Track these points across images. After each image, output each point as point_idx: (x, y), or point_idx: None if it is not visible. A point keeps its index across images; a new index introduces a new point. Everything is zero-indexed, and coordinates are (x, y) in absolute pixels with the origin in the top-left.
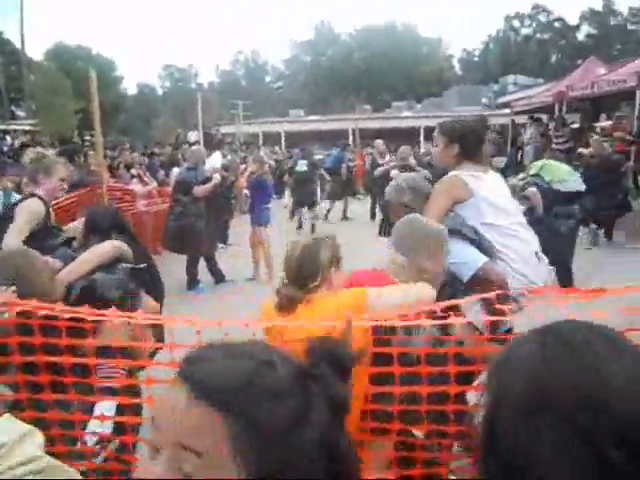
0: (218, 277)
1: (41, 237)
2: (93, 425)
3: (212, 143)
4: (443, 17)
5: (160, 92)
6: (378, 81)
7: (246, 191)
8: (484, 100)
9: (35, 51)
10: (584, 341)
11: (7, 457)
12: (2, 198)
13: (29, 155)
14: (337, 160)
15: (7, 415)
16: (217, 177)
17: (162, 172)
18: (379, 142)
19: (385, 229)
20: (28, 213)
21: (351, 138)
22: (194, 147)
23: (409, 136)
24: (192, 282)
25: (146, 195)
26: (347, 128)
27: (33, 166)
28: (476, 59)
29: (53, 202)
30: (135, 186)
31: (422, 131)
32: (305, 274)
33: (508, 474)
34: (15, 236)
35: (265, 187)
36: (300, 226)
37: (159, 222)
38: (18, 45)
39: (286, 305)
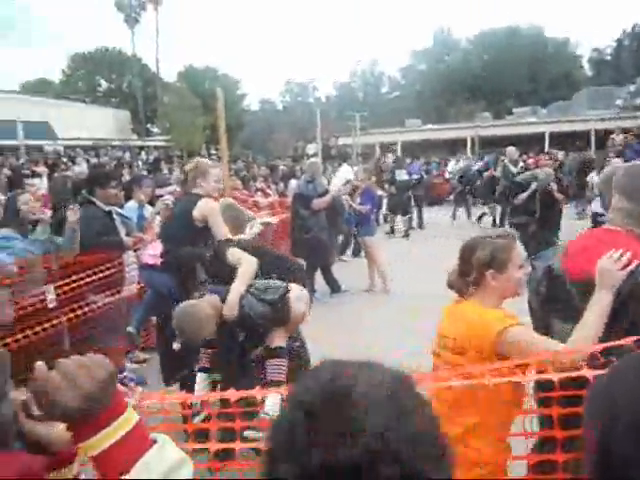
0: (334, 287)
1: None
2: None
3: (330, 155)
4: (570, 16)
5: (280, 107)
6: (499, 87)
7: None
8: (618, 102)
9: (168, 74)
10: None
11: None
12: (136, 210)
13: (187, 166)
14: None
15: (163, 436)
16: (333, 189)
17: (282, 184)
18: (511, 150)
19: None
20: (215, 210)
21: (469, 147)
22: (311, 160)
23: (534, 143)
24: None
25: (269, 206)
26: (465, 136)
27: (192, 173)
28: (608, 58)
29: None
30: (259, 198)
31: (547, 137)
32: (460, 269)
33: None
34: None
35: (372, 198)
36: (392, 231)
37: (281, 233)
38: (154, 69)
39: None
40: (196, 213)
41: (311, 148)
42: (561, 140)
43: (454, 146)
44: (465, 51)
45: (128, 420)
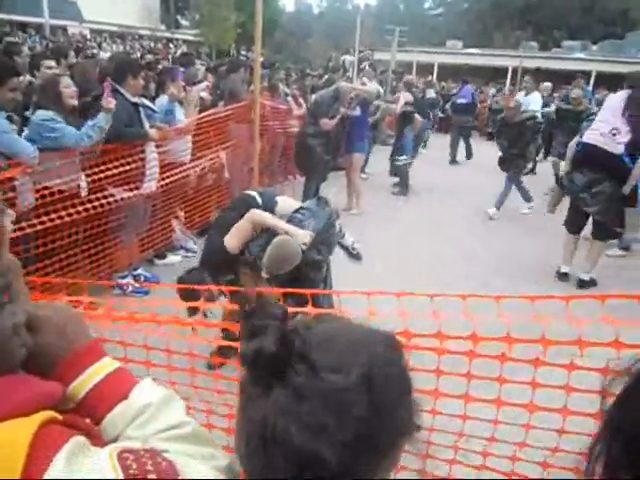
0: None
1: None
2: None
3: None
4: None
5: (316, 11)
6: (550, 15)
7: None
8: None
9: None
10: None
11: (154, 419)
12: (165, 105)
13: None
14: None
15: (149, 379)
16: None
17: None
18: (546, 85)
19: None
20: None
21: (509, 77)
22: (343, 84)
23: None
24: None
25: (300, 117)
26: (507, 65)
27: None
28: None
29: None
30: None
31: (593, 76)
32: None
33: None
34: None
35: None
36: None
37: None
38: None
39: None
40: None
41: (347, 59)
42: (607, 80)
43: (495, 74)
44: None
45: (110, 363)
